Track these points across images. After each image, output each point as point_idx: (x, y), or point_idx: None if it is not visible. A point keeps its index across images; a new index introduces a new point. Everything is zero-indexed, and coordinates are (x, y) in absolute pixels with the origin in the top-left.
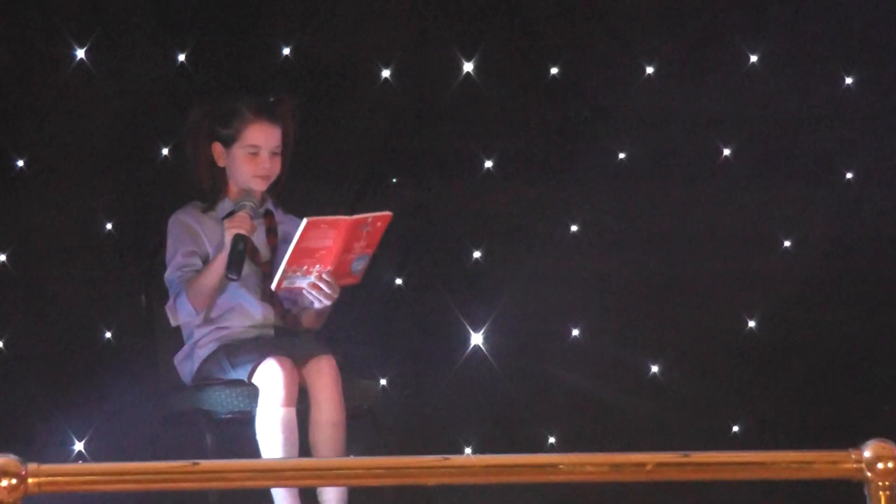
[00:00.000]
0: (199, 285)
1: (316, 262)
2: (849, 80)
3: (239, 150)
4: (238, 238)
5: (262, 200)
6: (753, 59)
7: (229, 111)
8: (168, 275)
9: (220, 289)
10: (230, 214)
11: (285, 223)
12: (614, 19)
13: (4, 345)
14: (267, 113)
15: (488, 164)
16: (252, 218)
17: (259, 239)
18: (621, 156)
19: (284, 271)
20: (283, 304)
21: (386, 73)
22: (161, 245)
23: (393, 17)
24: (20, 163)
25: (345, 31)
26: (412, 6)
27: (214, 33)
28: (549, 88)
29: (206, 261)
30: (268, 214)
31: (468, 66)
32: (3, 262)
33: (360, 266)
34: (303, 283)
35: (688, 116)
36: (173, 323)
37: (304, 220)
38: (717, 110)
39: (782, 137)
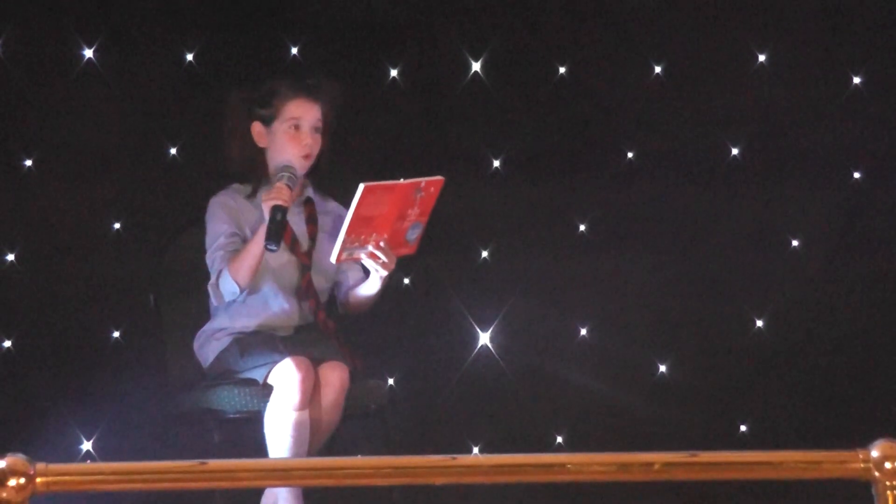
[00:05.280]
0: (242, 260)
1: (372, 230)
2: (856, 80)
3: (280, 126)
4: (276, 208)
5: (303, 187)
6: (762, 58)
7: (268, 91)
8: (210, 254)
9: (260, 266)
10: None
11: (328, 212)
12: (622, 19)
13: (13, 344)
14: (306, 89)
15: (496, 163)
16: (291, 189)
17: (299, 228)
18: (629, 155)
19: (344, 242)
20: (319, 298)
21: (394, 73)
22: (169, 243)
23: (401, 16)
24: (28, 162)
25: (352, 31)
26: (420, 5)
27: (222, 33)
28: (556, 88)
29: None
30: (308, 202)
31: (476, 66)
32: (12, 261)
33: (414, 235)
34: (361, 254)
35: (696, 116)
36: (216, 303)
37: (361, 186)
38: (725, 110)
39: (790, 137)
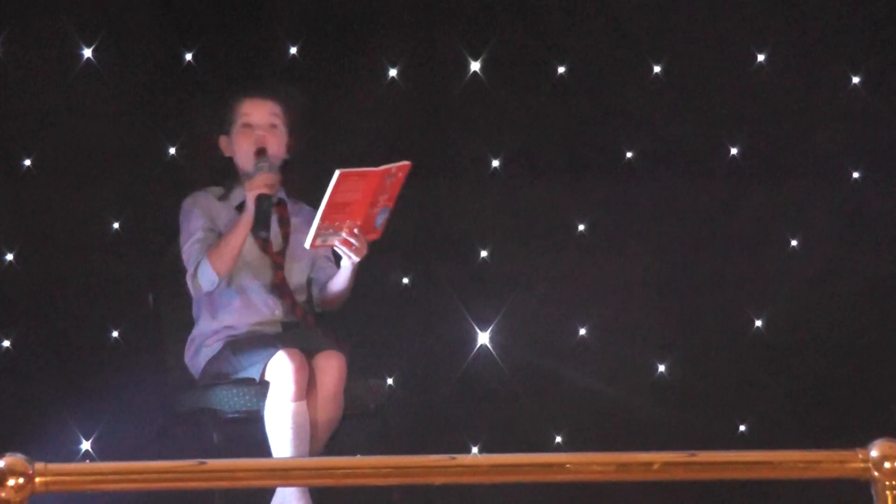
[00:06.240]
0: (221, 248)
1: (346, 216)
2: (855, 80)
3: (235, 129)
4: (262, 197)
5: (275, 181)
6: (760, 58)
7: (228, 103)
8: (187, 247)
9: (239, 259)
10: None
11: (298, 213)
12: (622, 18)
13: (12, 344)
14: (257, 89)
15: (495, 163)
16: (272, 177)
17: (272, 229)
18: (628, 155)
19: (318, 228)
20: (294, 296)
21: (393, 73)
22: (168, 243)
23: (400, 15)
24: (27, 162)
25: (351, 30)
26: (419, 5)
27: (221, 32)
28: (556, 87)
29: None
30: (280, 204)
31: (475, 66)
32: (11, 261)
33: (381, 220)
34: (334, 240)
35: (695, 115)
36: (194, 294)
37: (337, 172)
38: (724, 109)
39: (789, 137)
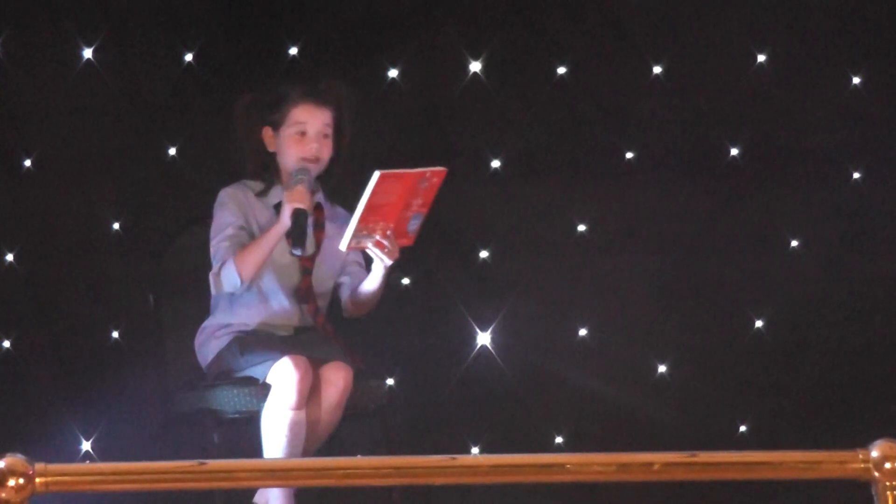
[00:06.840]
0: (249, 253)
1: (380, 218)
2: (856, 80)
3: (286, 132)
4: (299, 212)
5: (313, 192)
6: (761, 58)
7: (277, 96)
8: (215, 244)
9: (266, 264)
10: (294, 180)
11: (334, 218)
12: (622, 19)
13: (12, 344)
14: (313, 95)
15: (496, 163)
16: (310, 191)
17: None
18: (629, 155)
19: (356, 230)
20: (317, 303)
21: (393, 73)
22: (168, 244)
23: (400, 16)
24: (27, 162)
25: (351, 31)
26: (419, 5)
27: (222, 33)
28: (556, 88)
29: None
30: (317, 208)
31: (475, 66)
32: (10, 261)
33: (414, 226)
34: (367, 242)
35: (695, 116)
36: (214, 292)
37: (376, 174)
38: (724, 110)
39: (789, 137)
